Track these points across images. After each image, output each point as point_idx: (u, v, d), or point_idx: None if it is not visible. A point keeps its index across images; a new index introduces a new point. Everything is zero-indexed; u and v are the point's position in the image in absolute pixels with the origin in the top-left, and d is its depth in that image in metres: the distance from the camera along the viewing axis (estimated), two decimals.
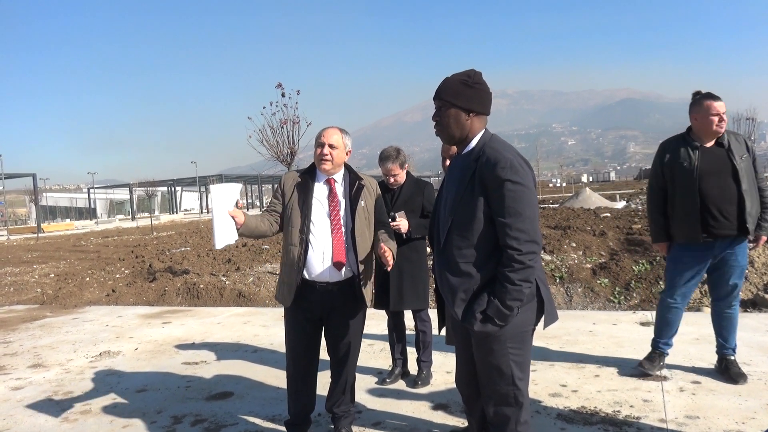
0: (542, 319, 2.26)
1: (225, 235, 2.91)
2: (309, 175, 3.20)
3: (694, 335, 4.88)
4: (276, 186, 3.33)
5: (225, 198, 2.93)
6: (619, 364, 4.26)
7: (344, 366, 3.29)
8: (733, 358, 3.95)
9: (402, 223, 3.91)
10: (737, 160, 3.75)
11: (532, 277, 2.13)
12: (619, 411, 3.42)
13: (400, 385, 4.17)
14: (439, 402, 3.76)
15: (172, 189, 73.95)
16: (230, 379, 4.56)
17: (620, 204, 22.45)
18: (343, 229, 3.12)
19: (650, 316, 5.68)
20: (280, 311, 7.37)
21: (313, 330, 3.25)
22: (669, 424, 3.20)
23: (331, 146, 3.11)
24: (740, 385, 3.71)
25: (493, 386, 2.24)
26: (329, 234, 3.10)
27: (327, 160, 3.11)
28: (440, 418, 3.51)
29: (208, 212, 69.31)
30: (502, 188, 2.09)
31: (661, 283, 6.64)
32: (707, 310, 5.90)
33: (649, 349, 4.13)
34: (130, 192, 59.25)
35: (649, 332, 5.07)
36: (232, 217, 2.95)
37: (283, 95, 8.47)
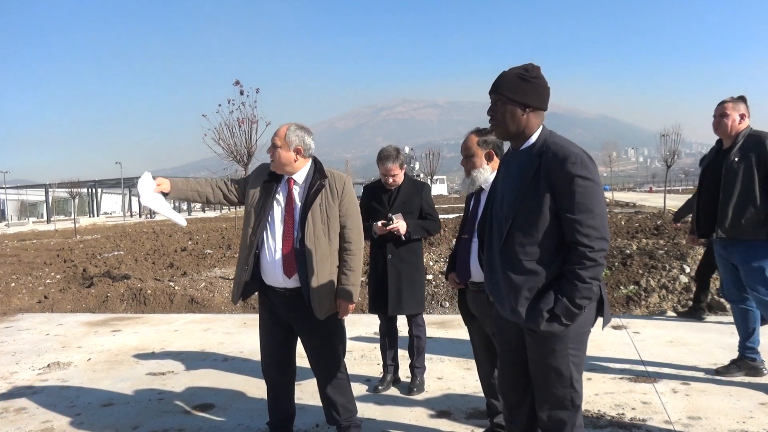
0: (600, 319, 2.21)
1: (173, 213, 2.96)
2: (275, 175, 3.00)
3: (667, 338, 5.03)
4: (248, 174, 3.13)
5: (147, 188, 2.88)
6: (606, 367, 4.31)
7: (324, 373, 3.06)
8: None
9: (400, 224, 3.79)
10: (728, 163, 3.77)
11: (601, 275, 2.08)
12: (623, 414, 3.43)
13: (394, 392, 4.02)
14: (440, 409, 3.64)
15: (92, 191, 69.80)
16: (206, 390, 4.24)
17: None
18: (295, 234, 2.90)
19: (619, 320, 5.82)
20: (241, 318, 7.03)
21: (284, 336, 3.06)
22: (675, 425, 3.24)
23: (273, 145, 2.92)
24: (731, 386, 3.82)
25: (549, 389, 2.16)
26: (281, 237, 2.91)
27: (271, 161, 2.96)
28: (447, 426, 3.39)
29: (131, 216, 65.99)
30: (572, 184, 2.03)
31: (622, 288, 6.87)
32: (671, 314, 6.15)
33: (627, 351, 4.17)
34: (46, 193, 55.43)
35: (622, 335, 5.21)
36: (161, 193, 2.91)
37: (241, 93, 8.13)
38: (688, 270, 6.99)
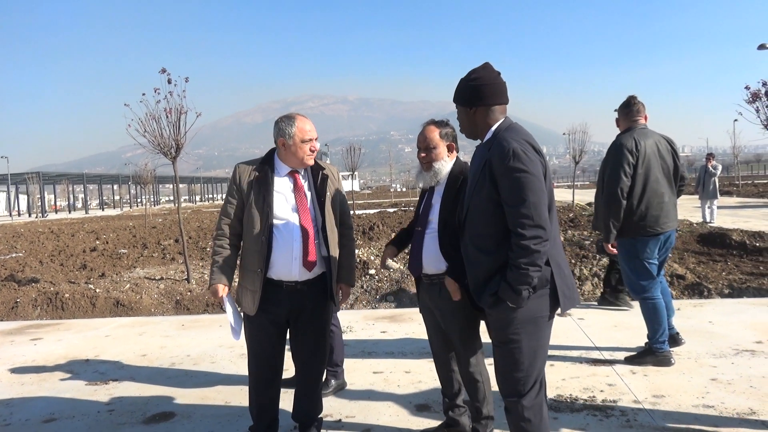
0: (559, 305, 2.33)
1: (238, 321, 2.97)
2: (269, 168, 2.88)
3: (611, 323, 5.30)
4: (230, 182, 2.95)
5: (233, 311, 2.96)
6: (564, 354, 4.47)
7: (315, 370, 3.03)
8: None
9: None
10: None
11: (540, 260, 2.17)
12: (594, 396, 3.57)
13: (366, 388, 3.93)
14: (418, 403, 3.60)
15: None
16: (161, 398, 3.93)
17: None
18: (313, 224, 2.88)
19: None
20: (178, 320, 6.63)
21: (278, 335, 2.96)
22: (644, 404, 3.41)
23: (316, 139, 2.94)
24: (676, 365, 4.06)
25: (505, 372, 2.32)
26: (298, 231, 2.84)
27: (311, 156, 2.93)
28: (430, 420, 3.35)
29: (19, 215, 60.24)
30: (507, 176, 2.18)
31: None
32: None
33: (579, 337, 4.33)
34: None
35: (569, 322, 5.44)
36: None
37: (169, 81, 7.62)
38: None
